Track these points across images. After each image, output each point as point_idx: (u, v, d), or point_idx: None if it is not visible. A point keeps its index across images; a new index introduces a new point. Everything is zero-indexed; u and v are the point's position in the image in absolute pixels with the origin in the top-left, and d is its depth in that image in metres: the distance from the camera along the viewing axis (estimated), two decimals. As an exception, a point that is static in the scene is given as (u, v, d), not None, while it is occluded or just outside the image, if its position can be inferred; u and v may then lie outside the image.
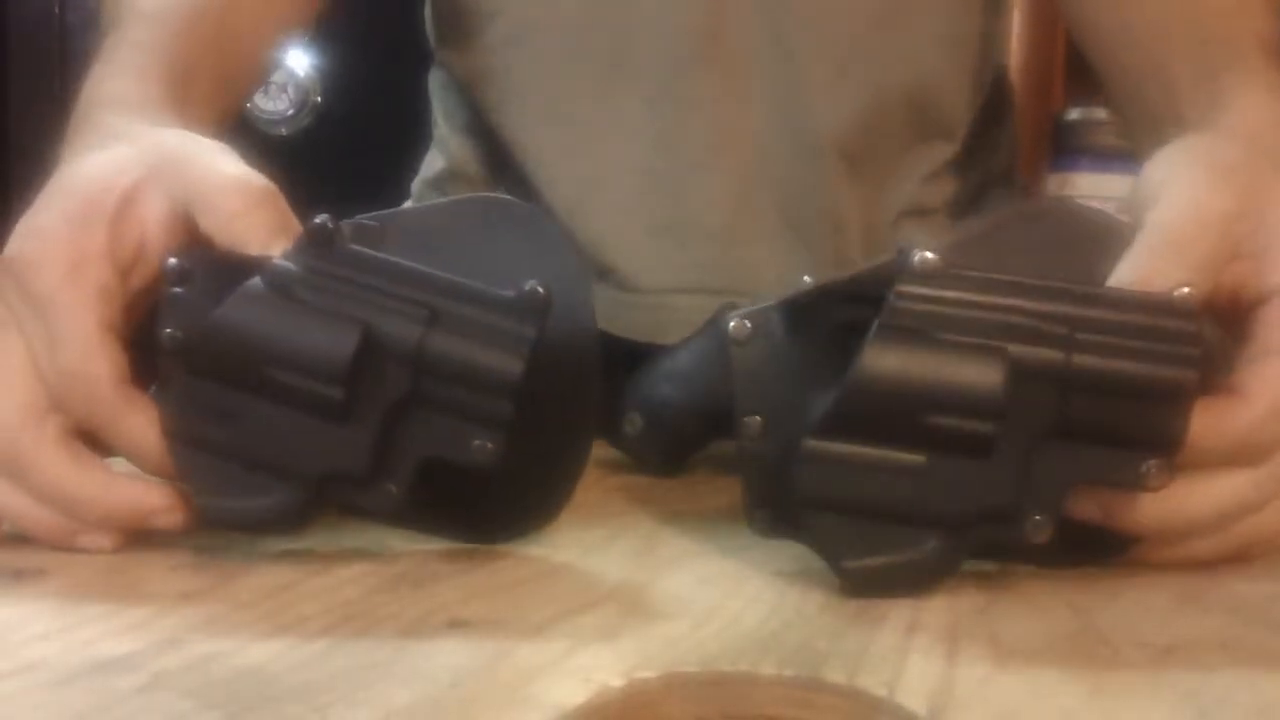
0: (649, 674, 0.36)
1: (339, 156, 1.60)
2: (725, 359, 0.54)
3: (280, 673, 0.35)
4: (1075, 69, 1.66)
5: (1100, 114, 1.69)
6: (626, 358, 0.75)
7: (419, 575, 0.46)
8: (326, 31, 0.77)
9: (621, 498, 0.61)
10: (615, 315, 0.80)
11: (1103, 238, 0.49)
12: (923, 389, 0.44)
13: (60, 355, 0.47)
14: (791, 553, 0.48)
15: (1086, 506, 0.47)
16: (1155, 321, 0.45)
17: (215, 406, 0.46)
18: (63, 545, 0.48)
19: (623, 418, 0.66)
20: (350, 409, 0.46)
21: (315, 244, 0.47)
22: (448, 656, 0.37)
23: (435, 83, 0.92)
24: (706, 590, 0.45)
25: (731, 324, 0.51)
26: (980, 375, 0.44)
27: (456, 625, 0.40)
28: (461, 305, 0.47)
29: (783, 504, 0.48)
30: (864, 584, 0.45)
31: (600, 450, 0.67)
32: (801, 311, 0.51)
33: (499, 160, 0.85)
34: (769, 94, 0.78)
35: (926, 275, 0.46)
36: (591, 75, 0.80)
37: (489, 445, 0.47)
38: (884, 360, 0.45)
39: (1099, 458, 0.45)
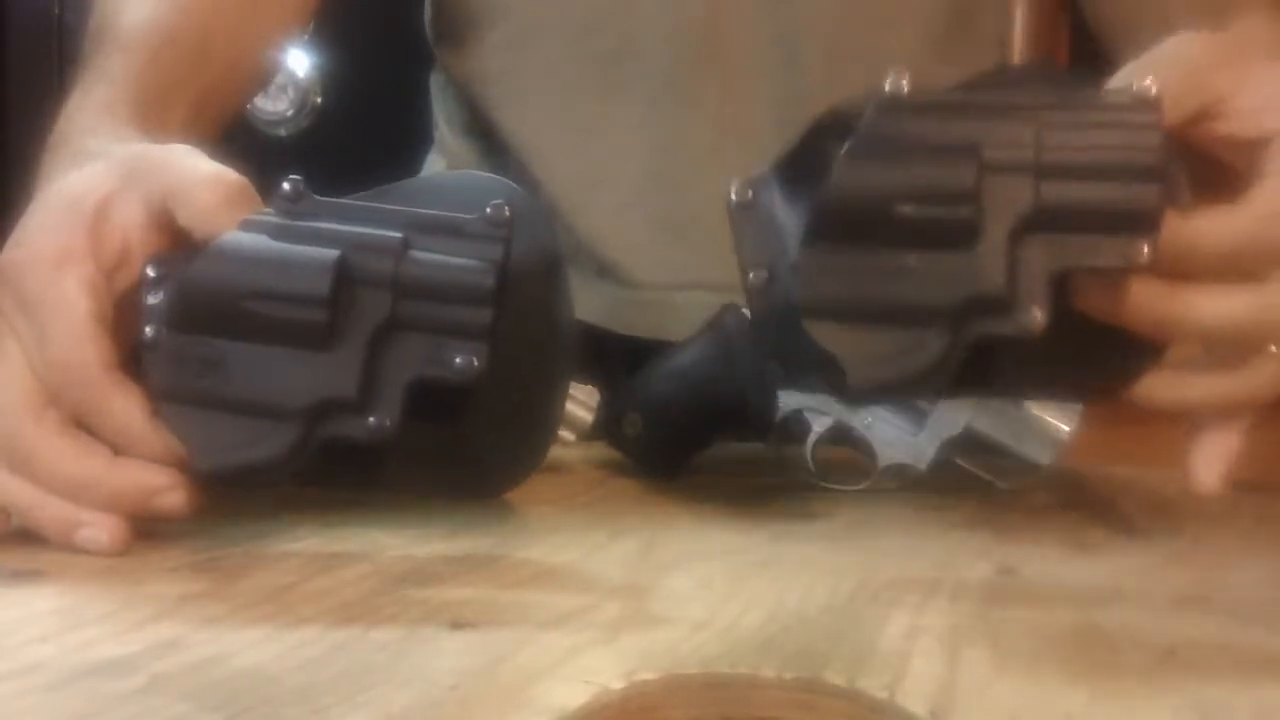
0: (649, 676, 0.36)
1: (339, 158, 1.60)
2: (727, 360, 0.54)
3: (280, 674, 0.35)
4: (1077, 68, 1.65)
5: (1101, 114, 1.68)
6: (627, 356, 0.74)
7: (420, 577, 0.46)
8: (327, 32, 0.77)
9: (622, 499, 0.61)
10: (616, 312, 0.81)
11: (1079, 84, 0.51)
12: (896, 183, 0.47)
13: (49, 347, 0.48)
14: (793, 555, 0.48)
15: (1097, 297, 0.48)
16: (1118, 113, 0.47)
17: (202, 357, 0.47)
18: (66, 538, 0.48)
19: (623, 418, 0.66)
20: (334, 334, 0.47)
21: (288, 200, 0.49)
22: (448, 658, 0.37)
23: (436, 84, 0.92)
24: (707, 592, 0.45)
25: (733, 191, 0.52)
26: (950, 163, 0.46)
27: (457, 627, 0.40)
28: (432, 231, 0.49)
29: (791, 352, 0.49)
30: (872, 391, 0.47)
31: (601, 451, 0.67)
32: (795, 163, 0.52)
33: (500, 160, 0.85)
34: (769, 93, 0.78)
35: (899, 99, 0.48)
36: (593, 75, 0.80)
37: (473, 361, 0.48)
38: (858, 163, 0.47)
39: (1082, 243, 0.46)
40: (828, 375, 0.48)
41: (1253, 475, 0.53)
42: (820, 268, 0.48)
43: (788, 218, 0.51)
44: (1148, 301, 0.48)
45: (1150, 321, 0.49)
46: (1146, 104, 0.47)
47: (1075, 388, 0.52)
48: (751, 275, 0.51)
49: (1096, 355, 0.50)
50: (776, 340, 0.50)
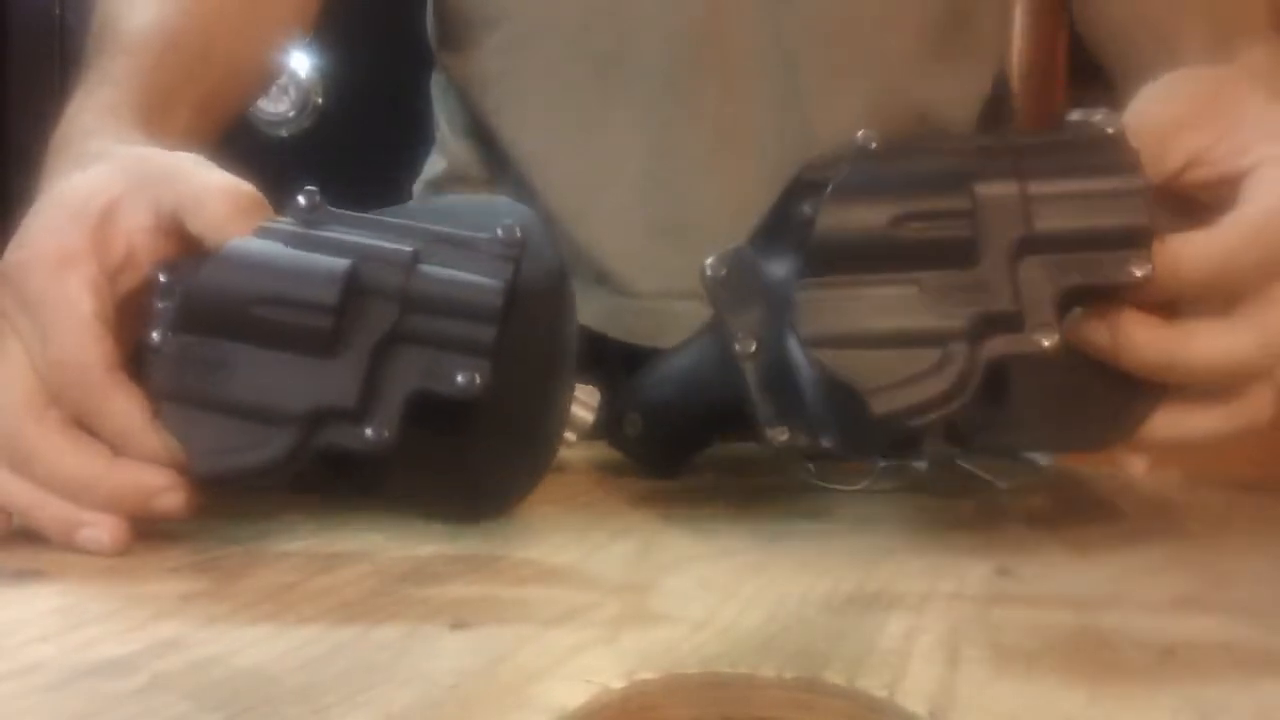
0: (649, 676, 0.36)
1: (340, 158, 1.60)
2: (727, 360, 0.54)
3: (280, 674, 0.35)
4: (1077, 69, 1.65)
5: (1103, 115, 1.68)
6: (625, 362, 0.75)
7: (420, 577, 0.46)
8: (328, 33, 0.77)
9: (622, 499, 0.61)
10: (614, 319, 0.81)
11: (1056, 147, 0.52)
12: (890, 206, 0.48)
13: (51, 347, 0.48)
14: (792, 555, 0.48)
15: (1096, 332, 0.49)
16: (1090, 149, 0.49)
17: (206, 359, 0.48)
18: (67, 538, 0.48)
19: (623, 418, 0.66)
20: (339, 342, 0.47)
21: (304, 211, 0.50)
22: (448, 658, 0.37)
23: (437, 86, 0.92)
24: (706, 592, 0.45)
25: (708, 268, 0.54)
26: (942, 187, 0.48)
27: (457, 626, 0.40)
28: (443, 247, 0.50)
29: (792, 408, 0.50)
30: (896, 420, 0.47)
31: (600, 451, 0.67)
32: (768, 230, 0.54)
33: (499, 163, 0.85)
34: (769, 96, 0.78)
35: (874, 151, 0.50)
36: (591, 78, 0.80)
37: (474, 378, 0.48)
38: (845, 199, 0.49)
39: (1081, 261, 0.48)
40: (832, 435, 0.49)
41: (1253, 475, 0.53)
42: (820, 299, 0.48)
43: (769, 280, 0.53)
44: (1148, 344, 0.49)
45: (1153, 364, 0.49)
46: (1112, 137, 0.49)
47: (1083, 438, 0.53)
48: (738, 346, 0.52)
49: (1103, 405, 0.50)
50: (773, 399, 0.51)
